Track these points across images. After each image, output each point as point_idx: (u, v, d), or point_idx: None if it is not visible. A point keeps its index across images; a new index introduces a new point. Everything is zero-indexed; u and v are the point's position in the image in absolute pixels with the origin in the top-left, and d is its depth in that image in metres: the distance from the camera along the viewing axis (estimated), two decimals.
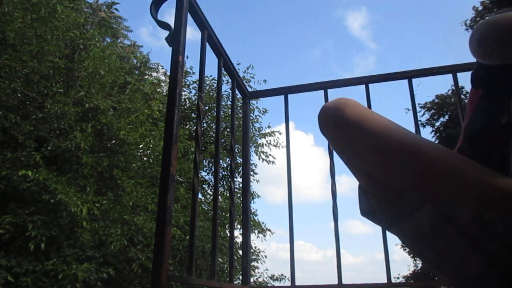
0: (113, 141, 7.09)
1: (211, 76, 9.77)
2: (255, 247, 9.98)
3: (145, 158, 7.56)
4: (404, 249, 15.52)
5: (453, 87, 2.20)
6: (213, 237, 1.34)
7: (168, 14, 1.40)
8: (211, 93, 10.03)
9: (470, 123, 0.87)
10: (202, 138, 4.20)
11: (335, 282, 1.53)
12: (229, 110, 9.37)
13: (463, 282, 0.74)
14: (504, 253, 0.65)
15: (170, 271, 0.95)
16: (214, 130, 6.43)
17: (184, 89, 10.29)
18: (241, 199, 2.11)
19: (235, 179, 2.36)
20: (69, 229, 5.85)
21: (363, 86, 1.79)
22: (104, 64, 6.96)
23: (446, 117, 13.34)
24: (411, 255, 15.28)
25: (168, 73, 1.36)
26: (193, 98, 10.43)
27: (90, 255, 5.67)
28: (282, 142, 10.57)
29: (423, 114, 13.97)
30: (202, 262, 7.51)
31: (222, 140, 9.36)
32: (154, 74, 10.78)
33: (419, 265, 15.14)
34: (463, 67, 1.68)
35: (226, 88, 9.58)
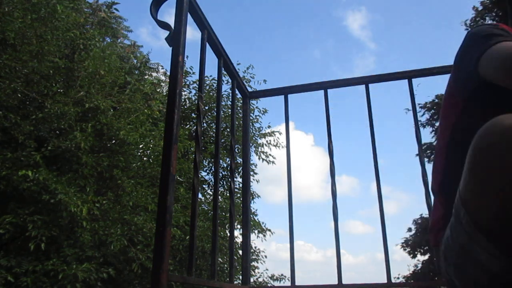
0: (113, 141, 7.09)
1: (211, 76, 9.78)
2: (255, 247, 9.98)
3: (145, 158, 7.56)
4: (404, 249, 15.53)
5: None
6: (213, 237, 1.34)
7: (168, 14, 1.40)
8: (211, 93, 10.03)
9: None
10: (202, 138, 4.20)
11: (335, 282, 1.53)
12: (229, 110, 9.37)
13: None
14: None
15: (170, 271, 0.95)
16: (214, 130, 6.44)
17: (184, 89, 10.30)
18: (241, 199, 2.11)
19: (235, 179, 2.36)
20: (69, 229, 5.85)
21: (363, 86, 1.80)
22: (104, 64, 6.96)
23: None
24: (411, 255, 15.29)
25: (168, 73, 1.36)
26: (193, 98, 10.43)
27: (90, 255, 5.67)
28: (282, 142, 10.58)
29: (423, 114, 13.99)
30: (202, 262, 7.51)
31: (222, 140, 9.36)
32: (154, 74, 10.79)
33: (419, 265, 15.15)
34: None
35: (226, 88, 9.59)
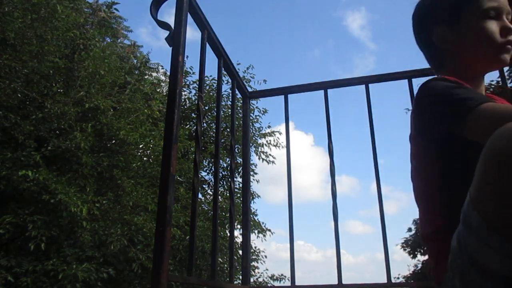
0: (113, 141, 7.09)
1: (211, 76, 9.78)
2: (255, 247, 9.98)
3: (145, 158, 7.56)
4: (404, 249, 15.53)
5: None
6: (213, 237, 1.34)
7: (168, 14, 1.40)
8: (211, 93, 10.03)
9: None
10: (202, 138, 4.19)
11: (335, 282, 1.53)
12: (229, 110, 9.37)
13: None
14: None
15: (170, 271, 0.95)
16: (214, 130, 6.44)
17: (184, 89, 10.30)
18: (241, 199, 2.11)
19: (235, 179, 2.36)
20: (69, 229, 5.85)
21: (363, 86, 1.79)
22: (104, 64, 6.96)
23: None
24: (411, 255, 15.30)
25: (168, 73, 1.36)
26: (193, 98, 10.44)
27: (90, 255, 5.67)
28: (282, 142, 10.58)
29: None
30: (202, 262, 7.51)
31: (222, 140, 9.36)
32: (154, 74, 10.80)
33: (419, 265, 15.15)
34: None
35: (226, 88, 9.60)
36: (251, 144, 6.35)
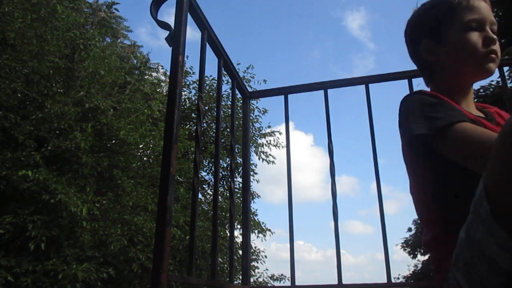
0: (113, 141, 7.09)
1: (211, 76, 9.78)
2: (255, 247, 9.98)
3: (145, 158, 7.56)
4: (404, 249, 15.54)
5: None
6: (213, 237, 1.34)
7: (168, 14, 1.40)
8: (211, 93, 10.03)
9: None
10: (202, 138, 4.19)
11: (335, 282, 1.53)
12: (229, 110, 9.37)
13: None
14: None
15: (170, 271, 0.95)
16: (214, 130, 6.43)
17: (184, 89, 10.29)
18: (241, 199, 2.11)
19: (235, 179, 2.36)
20: (69, 229, 5.85)
21: (363, 86, 1.79)
22: (104, 64, 6.96)
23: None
24: (411, 255, 15.30)
25: (168, 73, 1.36)
26: (193, 98, 10.43)
27: (90, 255, 5.67)
28: (282, 142, 10.58)
29: None
30: (202, 262, 7.51)
31: (222, 140, 9.36)
32: (154, 74, 10.79)
33: (419, 265, 15.16)
34: None
35: (226, 88, 9.59)
36: (251, 144, 6.35)
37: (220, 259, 7.94)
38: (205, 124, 9.85)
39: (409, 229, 15.53)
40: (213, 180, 4.46)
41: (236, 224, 6.00)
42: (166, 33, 1.22)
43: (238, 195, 7.40)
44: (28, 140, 5.83)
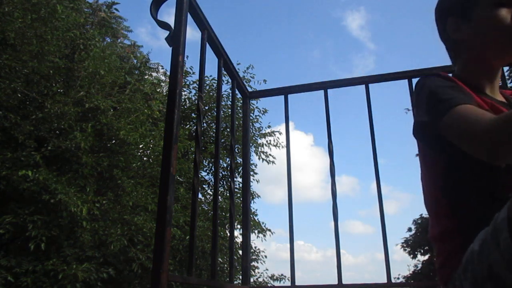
0: (113, 141, 7.09)
1: (211, 76, 9.77)
2: (255, 247, 9.98)
3: (145, 158, 7.56)
4: (404, 249, 15.53)
5: None
6: (213, 237, 1.34)
7: (168, 14, 1.40)
8: (211, 93, 10.03)
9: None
10: (202, 138, 4.20)
11: (335, 282, 1.53)
12: (229, 110, 9.37)
13: None
14: None
15: (170, 271, 0.95)
16: (214, 130, 6.43)
17: (184, 89, 10.29)
18: (241, 199, 2.11)
19: (235, 179, 2.36)
20: (69, 229, 5.85)
21: (363, 86, 1.79)
22: (104, 64, 6.96)
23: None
24: (411, 255, 15.30)
25: (168, 73, 1.36)
26: (193, 98, 10.43)
27: (90, 255, 5.67)
28: (282, 142, 10.58)
29: None
30: (202, 262, 7.51)
31: (222, 140, 9.36)
32: (154, 74, 10.79)
33: (419, 265, 15.15)
34: None
35: (226, 88, 9.59)
36: (251, 144, 6.35)
37: (220, 259, 7.94)
38: (205, 124, 9.85)
39: (409, 229, 15.52)
40: (213, 180, 4.46)
41: (236, 224, 6.00)
42: (166, 33, 1.22)
43: (238, 195, 7.40)
44: (28, 140, 5.83)
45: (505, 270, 0.61)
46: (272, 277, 10.13)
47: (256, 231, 9.56)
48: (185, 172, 7.70)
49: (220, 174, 8.63)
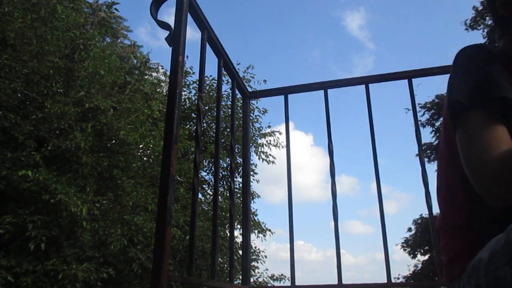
0: (113, 141, 7.09)
1: (211, 76, 9.77)
2: (255, 247, 9.98)
3: (145, 158, 7.56)
4: (404, 249, 15.53)
5: None
6: (213, 237, 1.34)
7: (168, 14, 1.40)
8: (211, 93, 10.02)
9: None
10: (202, 138, 4.20)
11: (335, 282, 1.53)
12: (229, 110, 9.37)
13: None
14: None
15: (170, 271, 0.95)
16: (214, 130, 6.43)
17: (184, 89, 10.29)
18: (241, 199, 2.11)
19: (235, 179, 2.36)
20: (69, 229, 5.85)
21: (363, 86, 1.79)
22: (104, 64, 6.95)
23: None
24: (411, 255, 15.30)
25: (168, 73, 1.36)
26: (193, 98, 10.43)
27: (90, 255, 5.67)
28: (282, 142, 10.58)
29: (423, 114, 13.99)
30: (202, 262, 7.51)
31: (222, 140, 9.36)
32: (154, 74, 10.79)
33: (419, 265, 15.15)
34: None
35: (226, 88, 9.59)
36: (251, 144, 6.35)
37: (220, 259, 7.93)
38: (205, 124, 9.85)
39: (409, 229, 15.52)
40: (213, 180, 4.46)
41: (236, 224, 6.00)
42: (166, 33, 1.22)
43: (238, 195, 7.40)
44: (28, 140, 5.83)
45: None
46: (272, 277, 10.13)
47: (256, 231, 9.56)
48: (185, 172, 7.70)
49: (220, 174, 8.62)
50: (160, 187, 1.02)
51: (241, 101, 2.15)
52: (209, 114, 9.99)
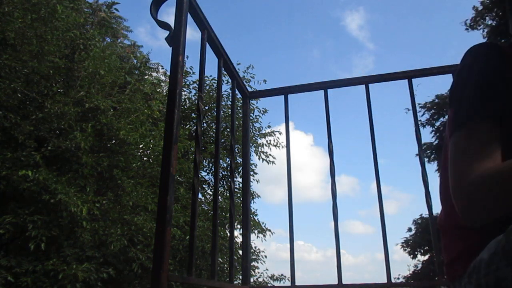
0: (113, 141, 7.09)
1: (211, 76, 9.77)
2: (255, 247, 9.98)
3: (145, 158, 7.56)
4: (404, 249, 15.53)
5: None
6: (213, 237, 1.34)
7: (168, 14, 1.40)
8: (211, 93, 10.02)
9: None
10: (202, 138, 4.20)
11: (335, 282, 1.53)
12: (229, 110, 9.37)
13: None
14: None
15: (170, 271, 0.95)
16: (214, 130, 6.43)
17: (184, 89, 10.29)
18: (241, 199, 2.11)
19: (235, 179, 2.36)
20: (69, 229, 5.85)
21: (363, 86, 1.79)
22: (104, 64, 6.96)
23: (446, 117, 13.35)
24: (411, 255, 15.31)
25: (168, 73, 1.36)
26: (193, 98, 10.43)
27: (90, 255, 5.67)
28: (282, 142, 10.57)
29: (423, 114, 13.98)
30: (202, 262, 7.51)
31: (222, 140, 9.36)
32: (154, 74, 10.79)
33: (419, 265, 15.15)
34: None
35: (226, 88, 9.59)
36: (251, 144, 6.34)
37: (220, 259, 7.94)
38: (205, 124, 9.85)
39: (409, 229, 15.52)
40: (213, 180, 4.46)
41: (236, 224, 5.99)
42: (166, 33, 1.22)
43: (238, 195, 7.40)
44: (28, 140, 5.83)
45: None
46: (272, 277, 10.14)
47: (256, 231, 9.56)
48: (185, 172, 7.70)
49: (220, 174, 8.62)
50: (160, 187, 1.02)
51: (241, 101, 2.15)
52: (209, 114, 9.99)
